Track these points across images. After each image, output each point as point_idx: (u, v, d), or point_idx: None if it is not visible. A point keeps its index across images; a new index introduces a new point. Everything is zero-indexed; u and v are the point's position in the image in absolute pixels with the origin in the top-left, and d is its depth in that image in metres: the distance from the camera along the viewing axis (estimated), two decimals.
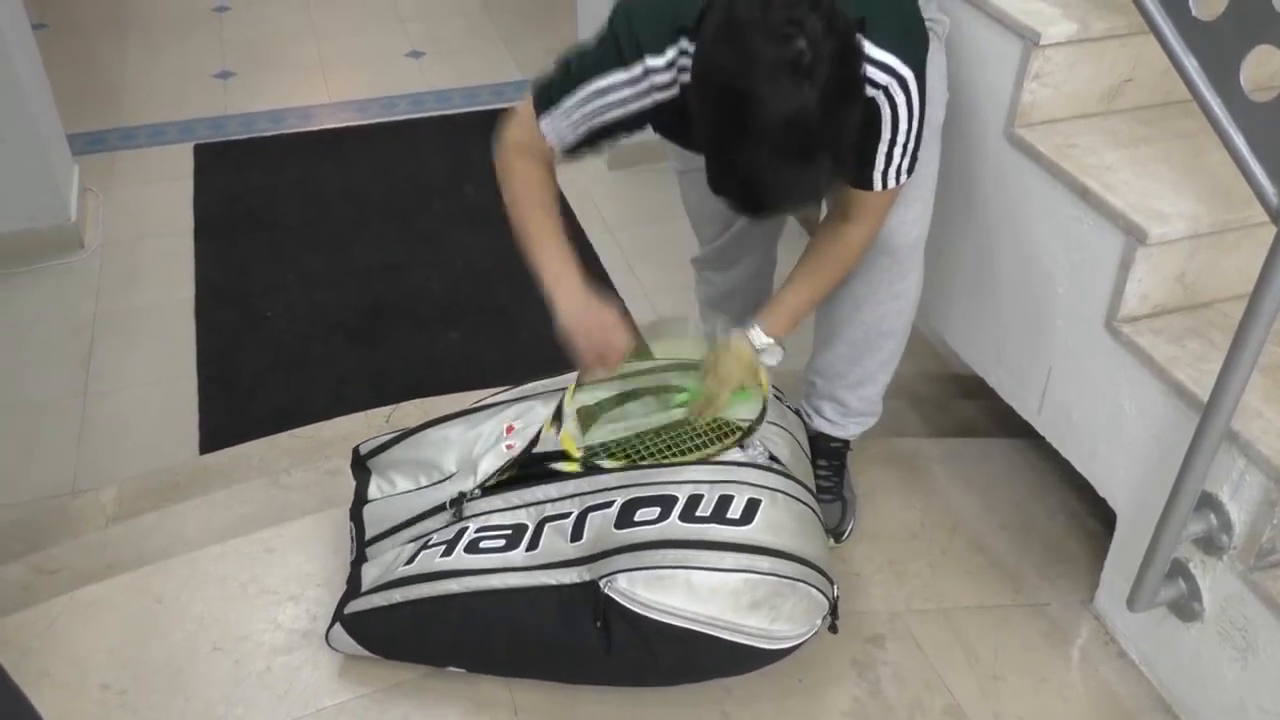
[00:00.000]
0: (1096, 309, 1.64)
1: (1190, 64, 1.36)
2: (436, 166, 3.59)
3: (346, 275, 3.05)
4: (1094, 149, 1.68)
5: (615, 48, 1.41)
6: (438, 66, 4.19)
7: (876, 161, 1.46)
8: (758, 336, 1.63)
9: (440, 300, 2.96)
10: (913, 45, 1.41)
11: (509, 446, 1.68)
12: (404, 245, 3.19)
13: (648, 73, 1.40)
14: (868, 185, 1.49)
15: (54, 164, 3.02)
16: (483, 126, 3.76)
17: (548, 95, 1.49)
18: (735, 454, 1.62)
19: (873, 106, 1.40)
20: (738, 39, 1.21)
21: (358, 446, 1.82)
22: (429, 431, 1.77)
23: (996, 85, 1.74)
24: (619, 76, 1.41)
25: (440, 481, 1.72)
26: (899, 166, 1.47)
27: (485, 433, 1.73)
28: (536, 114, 1.51)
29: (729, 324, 1.68)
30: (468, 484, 1.68)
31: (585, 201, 3.37)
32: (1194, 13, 1.35)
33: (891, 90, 1.39)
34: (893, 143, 1.44)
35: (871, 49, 1.36)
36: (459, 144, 3.72)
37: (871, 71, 1.37)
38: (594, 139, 1.50)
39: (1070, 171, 1.64)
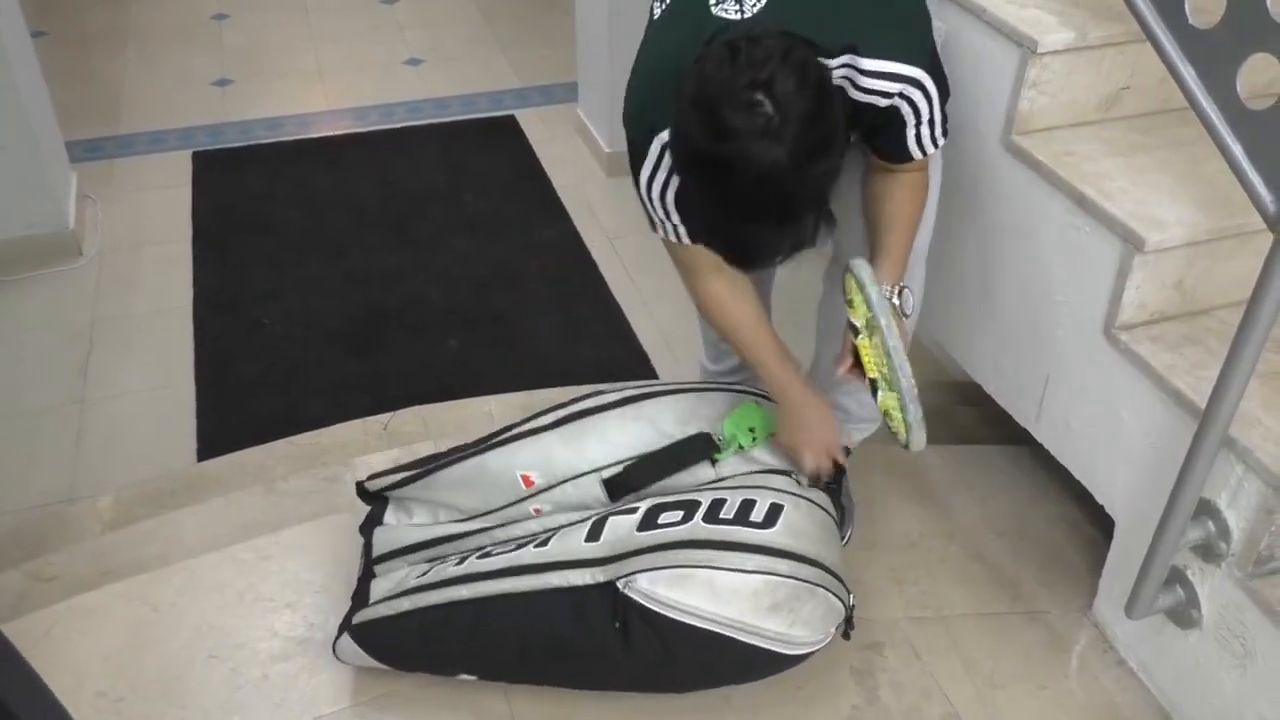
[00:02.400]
0: (1094, 316, 1.64)
1: (1187, 72, 1.36)
2: (434, 174, 3.59)
3: (344, 282, 3.05)
4: (1091, 157, 1.68)
5: (632, 144, 1.46)
6: (436, 74, 4.20)
7: (909, 144, 1.49)
8: (895, 292, 1.56)
9: (438, 307, 2.96)
10: (916, 42, 1.43)
11: (537, 510, 1.68)
12: (402, 253, 3.19)
13: (665, 148, 1.41)
14: (908, 159, 1.52)
15: (52, 171, 3.02)
16: (481, 134, 3.83)
17: (649, 220, 1.54)
18: (764, 460, 1.62)
19: (891, 111, 1.43)
20: (706, 107, 1.23)
21: (363, 483, 1.78)
22: (440, 474, 1.73)
23: (994, 93, 1.75)
24: (649, 166, 1.44)
25: (460, 520, 1.71)
26: (933, 136, 1.49)
27: (504, 482, 1.69)
28: (660, 234, 1.56)
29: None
30: (494, 538, 1.67)
31: (584, 210, 3.37)
32: (1191, 21, 1.35)
33: (906, 93, 1.41)
34: (918, 125, 1.47)
35: (871, 63, 1.37)
36: (457, 151, 3.72)
37: (877, 84, 1.38)
38: (690, 217, 1.50)
39: (1068, 179, 1.64)
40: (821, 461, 1.64)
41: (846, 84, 1.39)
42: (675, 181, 1.45)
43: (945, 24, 1.76)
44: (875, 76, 1.38)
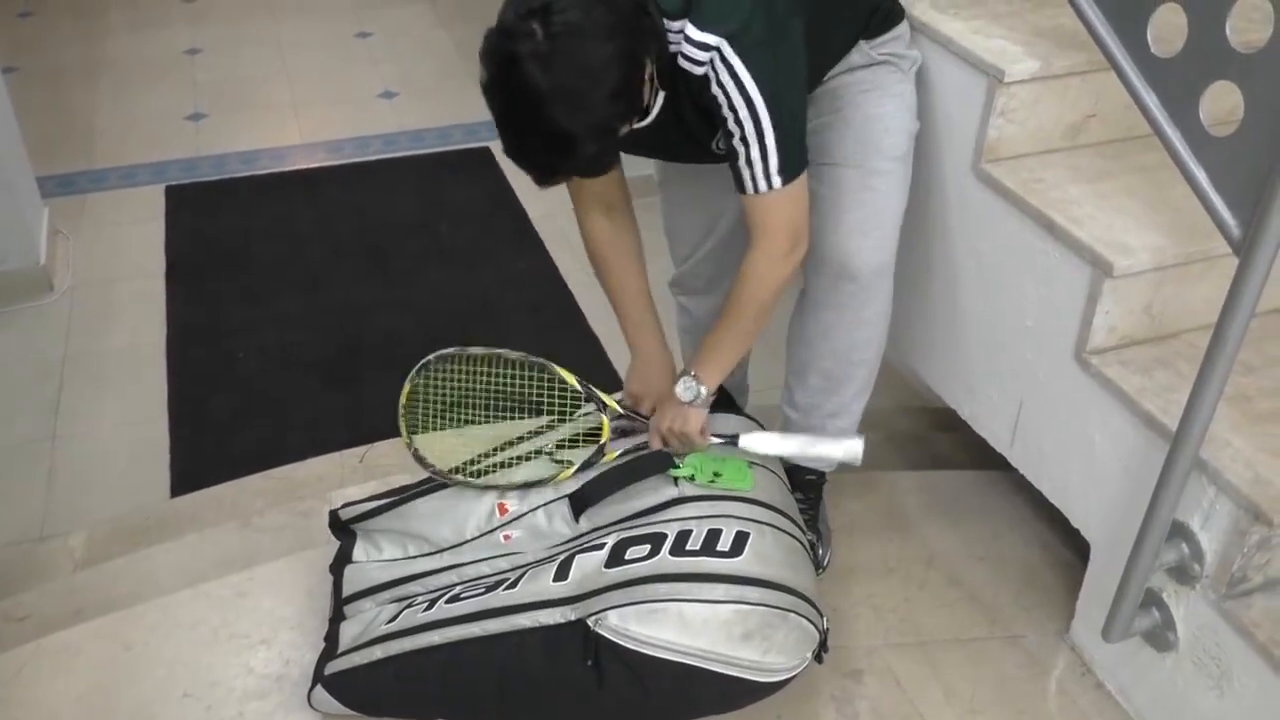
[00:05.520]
0: (1065, 341, 1.65)
1: (1151, 99, 1.39)
2: (410, 206, 3.60)
3: (320, 315, 3.04)
4: (1059, 183, 1.70)
5: None
6: (411, 107, 4.21)
7: (739, 159, 1.47)
8: (684, 386, 1.62)
9: (414, 339, 2.95)
10: (732, 12, 1.41)
11: (506, 537, 1.67)
12: (378, 285, 3.18)
13: None
14: (742, 187, 1.50)
15: (23, 207, 3.01)
16: (456, 166, 3.83)
17: None
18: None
19: (708, 87, 1.43)
20: (493, 33, 1.32)
21: (336, 512, 1.77)
22: (416, 503, 1.72)
23: (963, 122, 1.77)
24: None
25: (430, 554, 1.70)
26: (767, 166, 1.46)
27: (480, 511, 1.69)
28: None
29: None
30: (464, 575, 1.66)
31: (559, 238, 3.38)
32: (1153, 50, 1.38)
33: (715, 65, 1.41)
34: (743, 133, 1.44)
35: (693, 31, 1.40)
36: (432, 183, 3.73)
37: (694, 52, 1.41)
38: None
39: (1036, 206, 1.66)
40: (661, 419, 1.65)
41: (679, 50, 1.42)
42: None
43: (919, 52, 1.78)
44: (694, 45, 1.41)
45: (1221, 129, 1.30)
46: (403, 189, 3.69)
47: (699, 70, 1.43)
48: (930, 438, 2.40)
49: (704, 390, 1.62)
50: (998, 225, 1.75)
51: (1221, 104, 1.31)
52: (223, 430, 2.63)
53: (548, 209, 3.54)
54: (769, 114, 1.43)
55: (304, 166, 3.82)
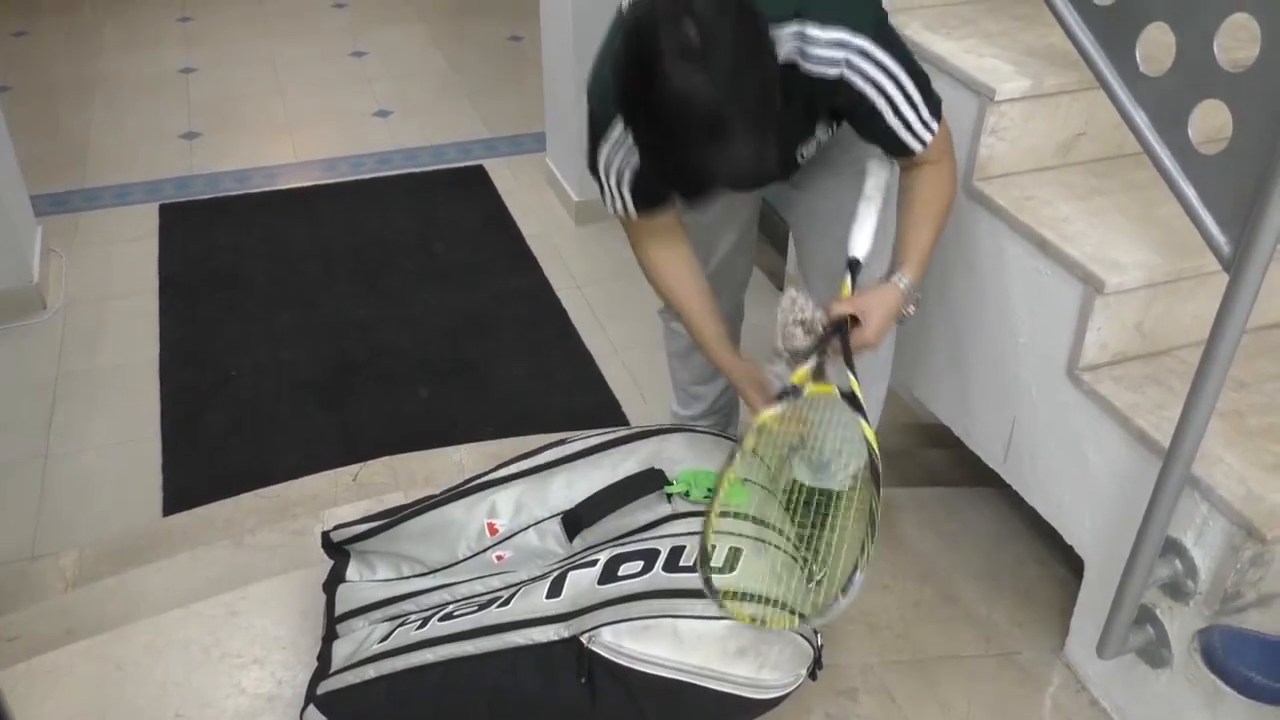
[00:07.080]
0: (1058, 358, 1.66)
1: (1140, 118, 1.40)
2: (404, 224, 3.60)
3: (314, 333, 3.04)
4: (1051, 201, 1.71)
5: (593, 115, 1.50)
6: (405, 125, 4.22)
7: (897, 132, 1.49)
8: (905, 283, 1.56)
9: (409, 357, 2.96)
10: (858, 11, 1.43)
11: (499, 558, 1.66)
12: (372, 303, 3.18)
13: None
14: (910, 152, 1.52)
15: (16, 225, 3.01)
16: (450, 184, 3.84)
17: (600, 193, 1.58)
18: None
19: (848, 88, 1.43)
20: (634, 32, 1.27)
21: (328, 534, 1.77)
22: (407, 524, 1.72)
23: (955, 140, 1.77)
24: (611, 137, 1.48)
25: (423, 574, 1.70)
26: (923, 118, 1.49)
27: (470, 532, 1.68)
28: (610, 208, 1.60)
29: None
30: (457, 594, 1.66)
31: (553, 256, 3.39)
32: (1142, 69, 1.39)
33: (854, 63, 1.41)
34: (895, 109, 1.46)
35: (817, 30, 1.39)
36: (427, 202, 3.73)
37: (825, 52, 1.40)
38: (641, 194, 1.54)
39: (1028, 223, 1.67)
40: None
41: (797, 56, 1.41)
42: (633, 163, 1.48)
43: None
44: (821, 45, 1.40)
45: (1210, 147, 1.31)
46: (397, 207, 3.69)
47: (833, 71, 1.41)
48: (924, 454, 2.40)
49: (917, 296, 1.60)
50: (990, 242, 1.76)
51: (1210, 122, 1.32)
52: (216, 448, 2.62)
53: (542, 227, 3.54)
54: (908, 74, 1.45)
55: (298, 185, 3.82)
